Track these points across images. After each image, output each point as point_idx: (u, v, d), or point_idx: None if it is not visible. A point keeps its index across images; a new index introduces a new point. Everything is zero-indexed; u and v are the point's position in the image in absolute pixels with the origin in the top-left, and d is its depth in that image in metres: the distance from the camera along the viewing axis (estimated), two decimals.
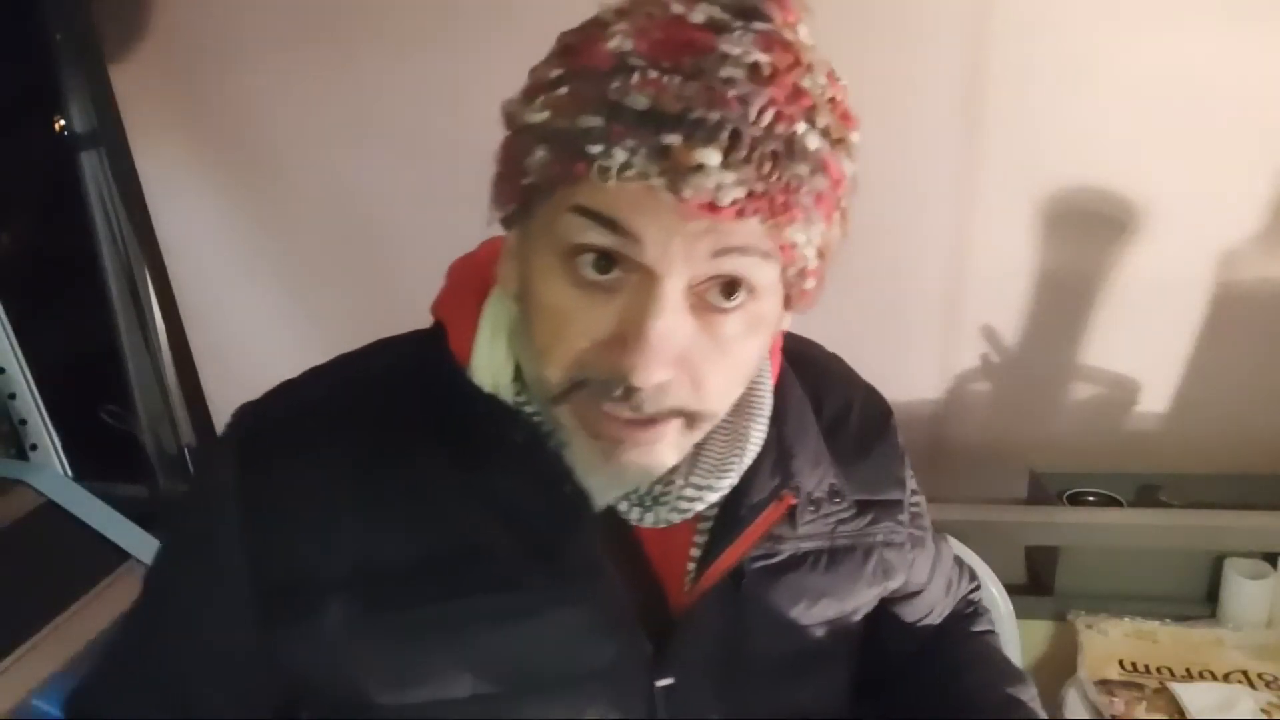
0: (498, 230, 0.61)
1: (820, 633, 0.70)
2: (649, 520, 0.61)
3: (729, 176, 0.48)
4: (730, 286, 0.53)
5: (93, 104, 1.47)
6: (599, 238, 0.51)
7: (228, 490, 0.62)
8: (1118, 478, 1.51)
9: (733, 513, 0.64)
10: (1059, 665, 1.28)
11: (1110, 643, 1.23)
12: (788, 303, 0.58)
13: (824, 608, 0.70)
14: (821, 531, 0.69)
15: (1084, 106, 1.32)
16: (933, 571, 0.82)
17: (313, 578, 0.60)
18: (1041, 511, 1.46)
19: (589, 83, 0.50)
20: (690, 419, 0.56)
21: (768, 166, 0.49)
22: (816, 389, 0.73)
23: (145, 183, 1.54)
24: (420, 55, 1.40)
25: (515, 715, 0.62)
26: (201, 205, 1.58)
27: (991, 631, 0.86)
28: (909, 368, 1.60)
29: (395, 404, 0.64)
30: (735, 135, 0.48)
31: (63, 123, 1.48)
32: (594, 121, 0.49)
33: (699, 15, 0.49)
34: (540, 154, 0.52)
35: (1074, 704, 1.18)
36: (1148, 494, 1.49)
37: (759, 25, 0.49)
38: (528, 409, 0.61)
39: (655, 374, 0.51)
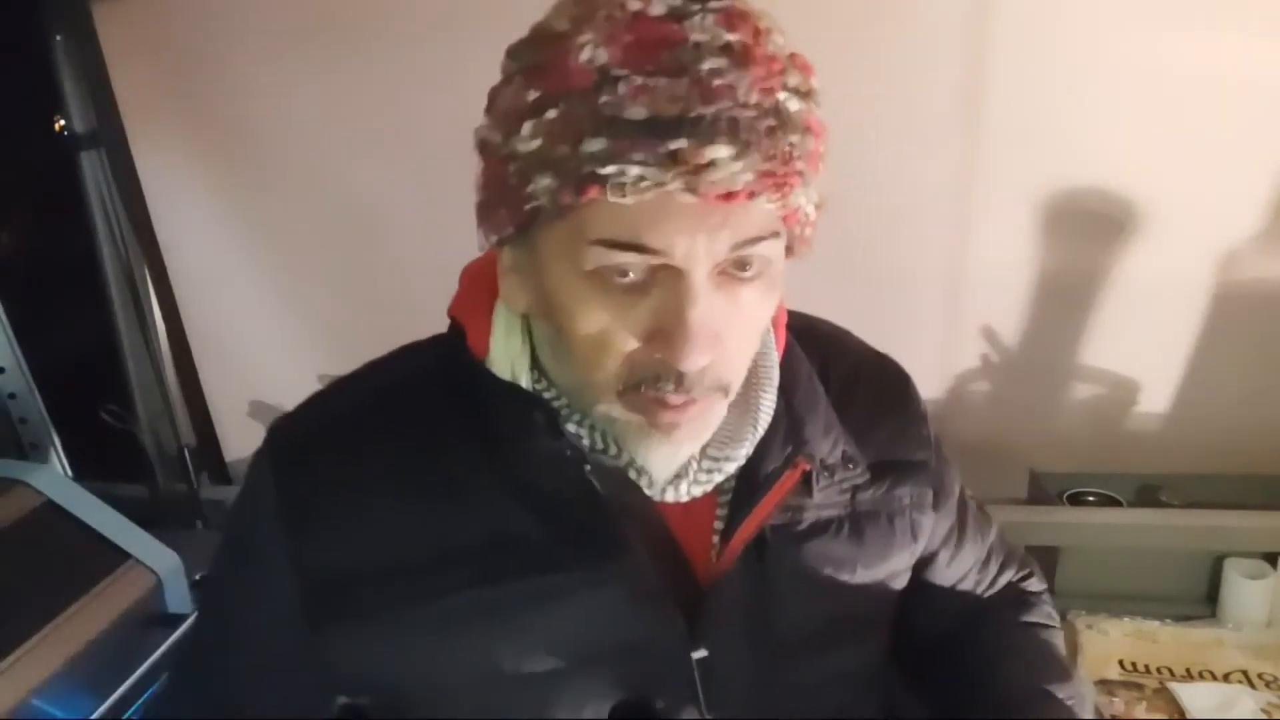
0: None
1: (854, 600, 0.71)
2: (670, 495, 0.63)
3: (738, 164, 0.50)
4: (746, 258, 0.55)
5: (93, 104, 1.48)
6: (626, 259, 0.53)
7: (267, 504, 0.65)
8: (1118, 478, 1.51)
9: (750, 483, 0.66)
10: None
11: (1110, 643, 1.22)
12: (789, 252, 0.60)
13: (855, 574, 0.71)
14: (840, 500, 0.71)
15: (1084, 107, 1.32)
16: (958, 539, 0.81)
17: (356, 576, 0.63)
18: (1041, 511, 1.46)
19: (577, 102, 0.50)
20: (726, 390, 0.60)
21: (766, 143, 0.51)
22: (824, 359, 0.75)
23: (145, 183, 1.54)
24: (421, 55, 1.40)
25: (557, 694, 0.64)
26: (201, 205, 1.58)
27: (1046, 625, 0.83)
28: (909, 367, 1.57)
29: (423, 405, 0.67)
30: (733, 123, 0.49)
31: (63, 123, 1.48)
32: (598, 144, 0.50)
33: (658, 8, 0.50)
34: (545, 182, 0.53)
35: None
36: (1148, 494, 1.49)
37: (714, 3, 0.51)
38: (546, 394, 0.64)
39: (700, 358, 0.54)
